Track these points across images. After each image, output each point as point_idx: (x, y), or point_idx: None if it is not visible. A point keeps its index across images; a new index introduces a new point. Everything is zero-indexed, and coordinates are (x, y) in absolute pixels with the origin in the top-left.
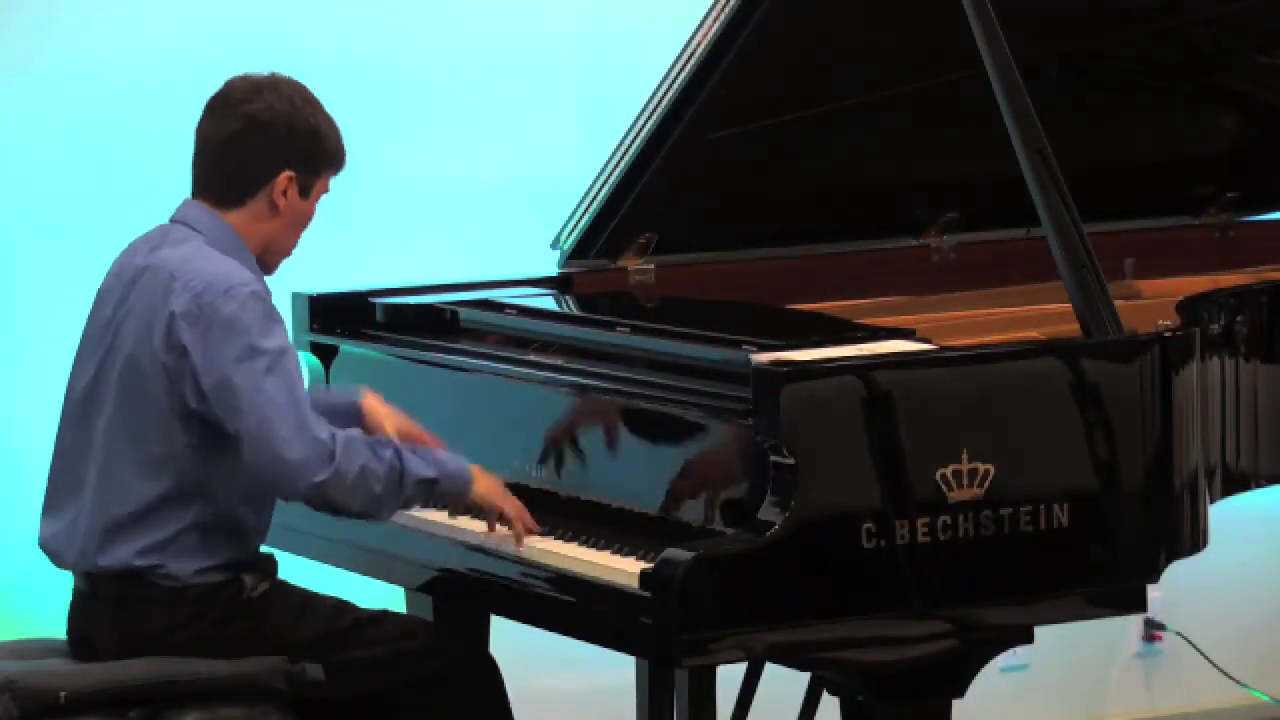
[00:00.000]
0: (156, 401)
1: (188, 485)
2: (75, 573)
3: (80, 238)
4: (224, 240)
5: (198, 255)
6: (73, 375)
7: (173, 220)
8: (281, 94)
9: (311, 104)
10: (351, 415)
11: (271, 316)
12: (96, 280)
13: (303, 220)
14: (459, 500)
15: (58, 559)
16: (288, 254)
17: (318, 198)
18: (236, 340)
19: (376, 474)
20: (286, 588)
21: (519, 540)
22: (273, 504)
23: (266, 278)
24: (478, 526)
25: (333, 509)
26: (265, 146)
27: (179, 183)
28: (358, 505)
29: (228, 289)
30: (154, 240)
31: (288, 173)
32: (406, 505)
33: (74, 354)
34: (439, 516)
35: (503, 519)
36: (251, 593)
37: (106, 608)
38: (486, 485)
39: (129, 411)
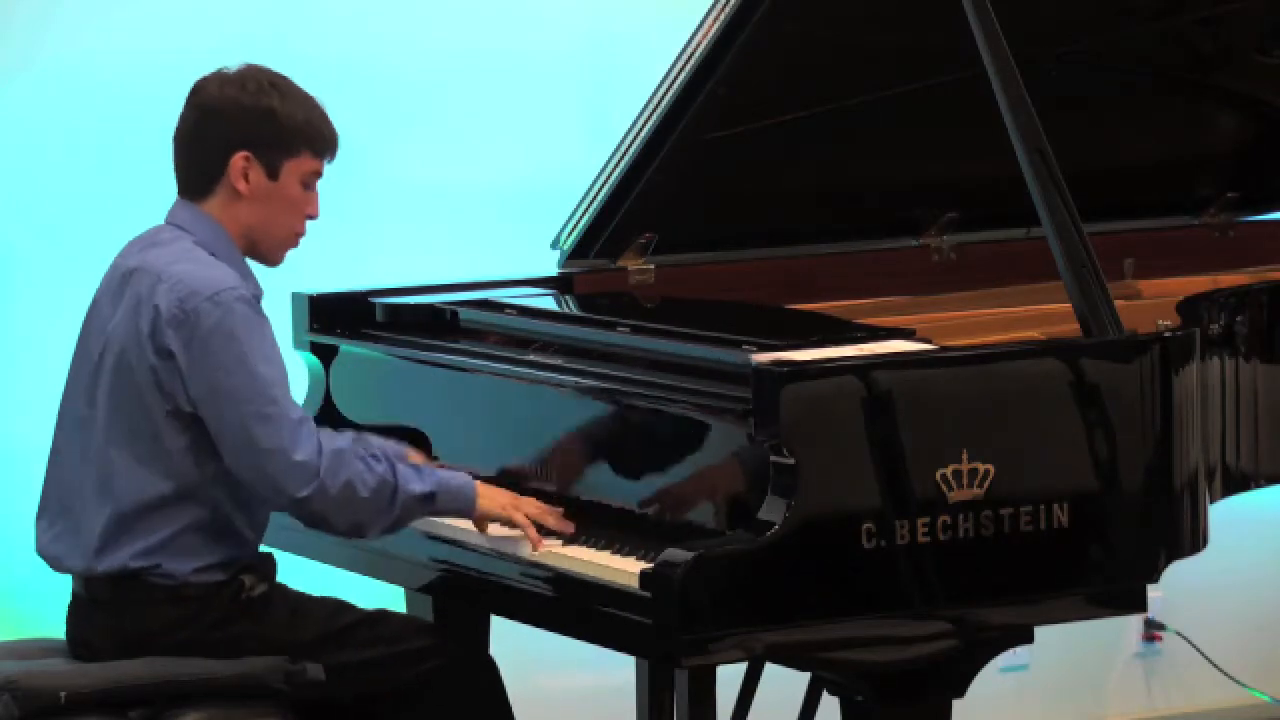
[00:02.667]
0: (147, 402)
1: (183, 487)
2: (74, 577)
3: (80, 238)
4: (210, 234)
5: (184, 256)
6: (69, 380)
7: (166, 221)
8: (237, 81)
9: (272, 87)
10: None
11: (258, 324)
12: (96, 281)
13: (283, 202)
14: (461, 517)
15: (57, 564)
16: (288, 241)
17: (299, 180)
18: (222, 349)
19: (366, 486)
20: (285, 590)
21: (534, 545)
22: (268, 505)
23: (272, 271)
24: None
25: (319, 524)
26: (217, 132)
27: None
28: (345, 522)
29: (213, 294)
30: (145, 241)
31: (243, 154)
32: (401, 523)
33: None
34: (439, 516)
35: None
36: (250, 593)
37: (104, 612)
38: (491, 502)
39: (123, 412)
